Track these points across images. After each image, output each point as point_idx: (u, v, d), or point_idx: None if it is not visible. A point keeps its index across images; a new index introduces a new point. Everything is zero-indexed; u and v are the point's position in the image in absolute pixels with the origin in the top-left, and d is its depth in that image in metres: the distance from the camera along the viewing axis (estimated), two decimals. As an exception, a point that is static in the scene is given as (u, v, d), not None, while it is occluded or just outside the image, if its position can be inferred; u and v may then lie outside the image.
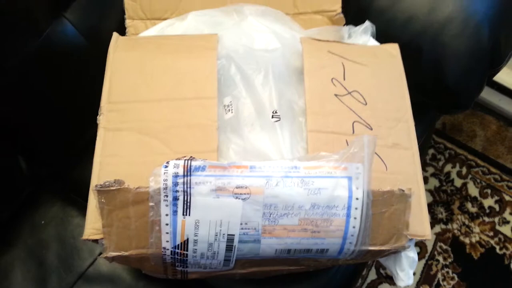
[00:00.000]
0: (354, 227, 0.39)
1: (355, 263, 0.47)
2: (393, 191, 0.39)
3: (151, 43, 0.51)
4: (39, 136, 0.62)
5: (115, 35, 0.51)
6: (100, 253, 0.60)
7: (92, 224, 0.40)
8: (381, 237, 0.40)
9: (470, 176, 0.98)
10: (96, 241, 0.41)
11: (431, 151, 1.01)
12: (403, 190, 0.39)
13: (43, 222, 0.62)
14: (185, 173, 0.38)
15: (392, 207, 0.40)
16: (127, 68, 0.48)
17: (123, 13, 0.58)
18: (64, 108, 0.62)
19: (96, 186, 0.37)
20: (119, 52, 0.49)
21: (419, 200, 0.43)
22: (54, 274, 0.59)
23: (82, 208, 0.61)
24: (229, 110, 0.47)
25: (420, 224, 0.42)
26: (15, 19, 0.53)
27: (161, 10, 0.57)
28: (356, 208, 0.39)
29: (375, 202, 0.39)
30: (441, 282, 0.89)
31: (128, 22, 0.57)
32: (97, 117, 0.46)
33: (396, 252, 0.43)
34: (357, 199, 0.39)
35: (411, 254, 0.43)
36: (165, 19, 0.57)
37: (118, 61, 0.48)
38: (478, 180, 0.98)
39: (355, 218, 0.39)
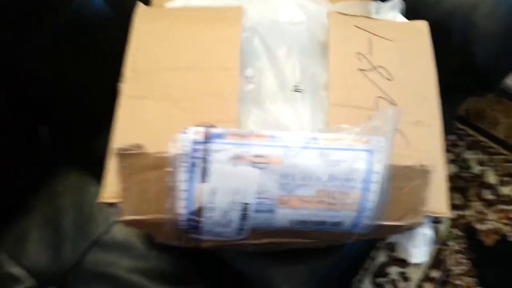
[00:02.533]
0: (370, 201, 0.39)
1: (369, 238, 0.47)
2: (413, 166, 0.39)
3: (175, 14, 0.51)
4: (61, 106, 0.63)
5: (139, 5, 0.51)
6: (115, 221, 0.61)
7: (110, 188, 0.41)
8: (398, 213, 0.40)
9: (490, 163, 0.96)
10: (111, 204, 0.41)
11: (452, 137, 0.99)
12: (424, 166, 0.39)
13: (60, 189, 0.63)
14: (205, 140, 0.38)
15: (412, 182, 0.39)
16: (151, 38, 0.48)
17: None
18: (87, 78, 0.62)
19: (117, 149, 0.37)
20: (143, 22, 0.49)
21: (440, 177, 0.42)
22: (69, 240, 0.60)
23: (99, 178, 0.62)
24: (251, 81, 0.46)
25: (438, 201, 0.42)
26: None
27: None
28: (374, 182, 0.38)
29: (394, 176, 0.39)
30: (451, 267, 0.89)
31: (152, -7, 0.57)
32: (119, 84, 0.46)
33: (411, 228, 0.42)
34: (376, 172, 0.38)
35: (427, 231, 0.43)
36: (191, -11, 0.56)
37: (142, 31, 0.48)
38: (498, 168, 0.96)
39: (372, 192, 0.39)
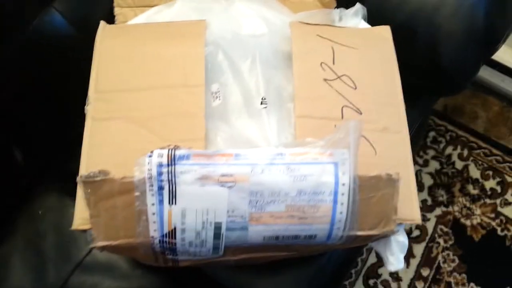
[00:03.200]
0: (341, 212, 0.39)
1: (346, 248, 0.47)
2: (380, 176, 0.39)
3: (138, 31, 0.50)
4: (32, 127, 0.63)
5: (102, 23, 0.50)
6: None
7: (81, 214, 0.41)
8: (370, 222, 0.40)
9: (471, 158, 0.97)
10: (85, 231, 0.41)
11: (432, 133, 1.00)
12: (390, 175, 0.39)
13: (40, 212, 0.63)
14: (169, 162, 0.37)
15: (380, 192, 0.39)
16: (114, 57, 0.47)
17: (112, 1, 0.57)
18: (56, 98, 0.62)
19: (81, 177, 0.37)
20: (106, 40, 0.49)
21: (409, 184, 0.43)
22: (51, 263, 0.59)
23: (78, 198, 0.62)
24: (216, 97, 0.46)
25: (409, 208, 0.42)
26: (2, 10, 0.53)
27: (149, -3, 0.56)
28: (342, 194, 0.39)
29: (362, 187, 0.39)
30: (441, 265, 0.89)
31: (116, 10, 0.57)
32: (85, 107, 0.46)
33: (385, 236, 0.42)
34: (343, 184, 0.38)
35: (401, 238, 0.43)
36: (154, 5, 0.56)
37: (105, 50, 0.48)
38: (480, 162, 0.97)
39: (342, 203, 0.39)
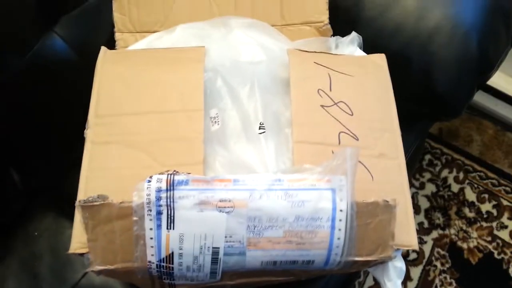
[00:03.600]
0: (339, 238, 0.39)
1: (344, 273, 0.47)
2: (377, 202, 0.39)
3: (138, 56, 0.51)
4: (30, 150, 0.63)
5: (103, 49, 0.51)
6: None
7: (79, 238, 0.41)
8: (367, 248, 0.40)
9: (467, 181, 0.98)
10: (82, 254, 0.41)
11: (427, 156, 1.01)
12: (387, 201, 0.39)
13: (36, 234, 0.63)
14: (168, 188, 0.38)
15: (377, 218, 0.40)
16: (114, 82, 0.48)
17: (113, 26, 0.58)
18: (55, 121, 0.62)
19: (79, 201, 0.37)
20: (106, 65, 0.49)
21: (406, 210, 0.43)
22: (47, 286, 0.59)
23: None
24: (215, 122, 0.47)
25: (406, 234, 0.42)
26: (3, 35, 0.54)
27: (150, 23, 0.57)
28: (340, 220, 0.39)
29: (359, 213, 0.39)
30: (438, 288, 0.89)
31: (117, 36, 0.58)
32: (84, 131, 0.46)
33: (383, 262, 0.43)
34: (341, 211, 0.39)
35: (399, 264, 0.43)
36: (154, 31, 0.57)
37: (105, 75, 0.49)
38: (476, 185, 0.97)
39: (339, 229, 0.39)
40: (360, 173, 0.42)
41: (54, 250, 0.62)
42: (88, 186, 0.43)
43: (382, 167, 0.44)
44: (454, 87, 0.58)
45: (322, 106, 0.47)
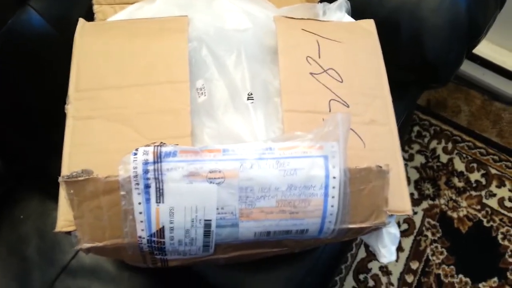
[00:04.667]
0: (332, 206, 0.39)
1: (337, 241, 0.46)
2: (370, 168, 0.39)
3: (118, 28, 0.49)
4: (11, 131, 0.61)
5: (81, 20, 0.49)
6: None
7: (65, 216, 0.39)
8: (361, 215, 0.40)
9: (456, 151, 0.98)
10: (69, 233, 0.39)
11: (416, 128, 1.01)
12: (380, 167, 0.39)
13: (21, 217, 0.61)
14: (156, 160, 0.36)
15: (370, 184, 0.39)
16: (95, 54, 0.46)
17: (91, -2, 0.56)
18: (35, 100, 0.60)
19: (63, 177, 0.36)
20: (85, 38, 0.47)
21: (398, 176, 0.42)
22: (36, 269, 0.58)
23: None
24: (202, 93, 0.45)
25: (400, 199, 0.42)
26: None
27: (129, -6, 0.55)
28: (333, 187, 0.38)
29: (352, 179, 0.38)
30: (430, 257, 0.90)
31: (96, 8, 0.55)
32: (65, 106, 0.44)
33: (377, 229, 0.42)
34: (334, 177, 0.38)
35: (393, 230, 0.43)
36: (134, 2, 0.55)
37: (85, 48, 0.47)
38: (464, 155, 0.98)
39: (333, 197, 0.38)
40: (351, 140, 0.41)
41: (41, 233, 0.60)
42: (72, 162, 0.41)
43: (374, 133, 0.44)
44: (443, 52, 0.57)
45: (311, 73, 0.45)
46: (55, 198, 0.63)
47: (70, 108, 0.44)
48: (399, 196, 0.42)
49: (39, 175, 0.65)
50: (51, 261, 0.59)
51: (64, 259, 0.59)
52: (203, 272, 0.59)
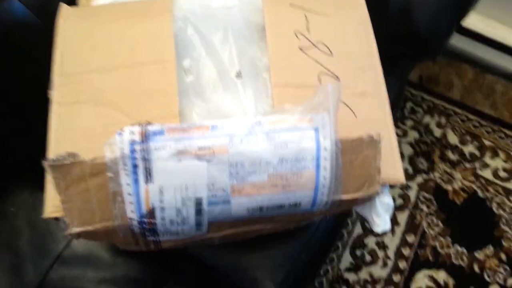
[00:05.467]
0: (325, 178, 0.38)
1: (331, 214, 0.46)
2: (361, 138, 0.38)
3: (101, 11, 0.48)
4: (1, 125, 0.59)
5: (62, 5, 0.48)
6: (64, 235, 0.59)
7: (52, 201, 0.39)
8: (354, 185, 0.39)
9: (449, 125, 0.98)
10: (58, 219, 0.39)
11: (409, 104, 1.00)
12: (372, 136, 0.38)
13: (12, 209, 0.60)
14: (142, 139, 0.36)
15: (362, 153, 0.38)
16: (78, 38, 0.45)
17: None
18: (19, 90, 0.58)
19: (48, 161, 0.35)
20: (68, 22, 0.46)
21: (390, 145, 0.42)
22: (28, 261, 0.57)
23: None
24: (189, 72, 0.44)
25: (392, 168, 0.41)
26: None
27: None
28: (325, 159, 0.38)
29: (344, 150, 0.38)
30: (426, 230, 0.90)
31: (78, -7, 0.54)
32: (49, 92, 0.43)
33: (370, 199, 0.42)
34: (325, 149, 0.37)
35: (386, 199, 0.42)
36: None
37: (68, 32, 0.45)
38: (457, 128, 0.98)
39: (325, 168, 0.38)
40: (343, 113, 0.40)
41: (33, 224, 0.60)
42: (58, 148, 0.40)
43: (365, 105, 0.43)
44: (432, 24, 0.57)
45: (300, 48, 0.45)
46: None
47: (55, 94, 0.43)
48: (391, 165, 0.42)
49: (29, 167, 0.63)
50: (43, 252, 0.58)
51: (56, 249, 0.58)
52: (199, 253, 0.58)
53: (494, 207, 0.91)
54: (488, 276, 0.87)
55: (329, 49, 0.45)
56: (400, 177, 0.41)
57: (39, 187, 0.61)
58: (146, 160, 0.36)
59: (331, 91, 0.37)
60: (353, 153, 0.38)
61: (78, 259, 0.57)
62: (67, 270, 0.57)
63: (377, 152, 0.39)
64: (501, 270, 0.87)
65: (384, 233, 0.91)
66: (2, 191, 0.62)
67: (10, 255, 0.58)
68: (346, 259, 0.89)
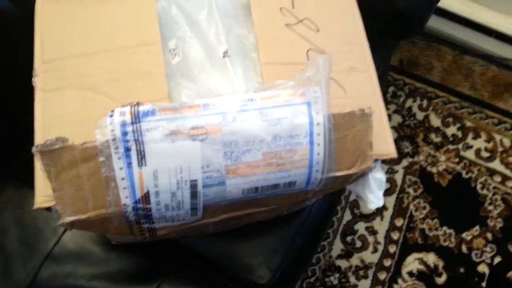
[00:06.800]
0: (318, 154, 0.38)
1: (326, 193, 0.46)
2: (353, 112, 0.38)
3: (80, -6, 0.47)
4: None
5: (39, -11, 0.46)
6: (66, 230, 0.57)
7: (43, 191, 0.37)
8: (347, 161, 0.40)
9: (431, 107, 1.00)
10: (49, 209, 0.38)
11: (391, 88, 1.01)
12: (363, 110, 0.38)
13: (-3, 207, 0.58)
14: (134, 120, 0.35)
15: (354, 128, 0.39)
16: (58, 22, 0.44)
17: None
18: (1, 84, 0.56)
19: (36, 146, 0.34)
20: (47, 6, 0.45)
21: (381, 120, 0.42)
22: (17, 259, 0.56)
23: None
24: (175, 54, 0.44)
25: (384, 143, 0.42)
26: None
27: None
28: (318, 134, 0.38)
29: (336, 125, 0.38)
30: (414, 213, 0.92)
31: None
32: (32, 79, 0.42)
33: (363, 175, 0.42)
34: (318, 124, 0.37)
35: (378, 175, 0.43)
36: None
37: (47, 17, 0.44)
38: (439, 111, 0.99)
39: (318, 144, 0.38)
40: (332, 89, 0.40)
41: (20, 221, 0.58)
42: (46, 136, 0.39)
43: (354, 80, 0.43)
44: (413, 2, 0.57)
45: (286, 25, 0.44)
46: (31, 185, 0.61)
47: (38, 81, 0.41)
48: (382, 140, 0.42)
49: (12, 162, 0.62)
50: (33, 250, 0.57)
51: (46, 246, 0.57)
52: (192, 244, 0.58)
53: (479, 187, 0.93)
54: (476, 256, 0.89)
55: (315, 25, 0.45)
56: (392, 152, 0.42)
57: (25, 183, 0.60)
58: (138, 142, 0.35)
59: (321, 64, 0.37)
60: (345, 128, 0.38)
61: (69, 256, 0.56)
62: (58, 267, 0.55)
63: (368, 126, 0.39)
64: (488, 249, 0.89)
65: (373, 219, 0.92)
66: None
67: (-2, 254, 0.56)
68: (337, 246, 0.89)
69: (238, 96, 0.37)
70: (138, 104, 0.35)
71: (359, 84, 0.43)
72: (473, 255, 0.89)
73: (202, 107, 0.36)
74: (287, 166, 0.39)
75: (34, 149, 0.34)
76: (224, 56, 0.43)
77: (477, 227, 0.90)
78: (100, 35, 0.43)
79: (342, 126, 0.38)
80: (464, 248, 0.89)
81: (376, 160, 0.41)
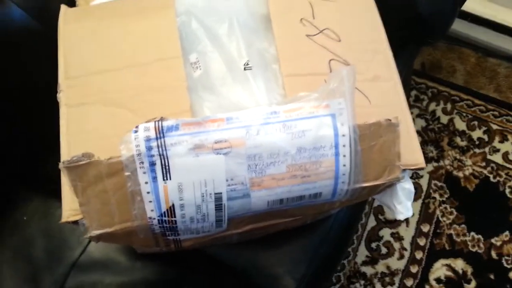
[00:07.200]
0: (344, 165, 0.38)
1: (351, 203, 0.45)
2: (379, 122, 0.37)
3: (102, 10, 0.47)
4: (4, 133, 0.59)
5: (63, 7, 0.47)
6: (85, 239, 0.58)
7: (69, 205, 0.38)
8: (374, 172, 0.39)
9: (455, 111, 0.97)
10: (76, 222, 0.38)
11: (413, 92, 1.00)
12: (390, 120, 0.38)
13: (25, 218, 0.59)
14: (158, 135, 0.35)
15: (381, 139, 0.38)
16: (81, 39, 0.44)
17: (72, -15, 0.54)
18: (26, 98, 0.58)
19: (63, 162, 0.34)
20: (69, 24, 0.46)
21: (408, 129, 0.41)
22: (45, 269, 0.56)
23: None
24: (197, 67, 0.44)
25: (411, 153, 0.41)
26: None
27: (110, -24, 0.53)
28: (344, 146, 0.37)
29: (362, 136, 0.37)
30: (440, 219, 0.89)
31: (77, -6, 0.53)
32: (57, 95, 0.43)
33: (391, 185, 0.41)
34: (343, 135, 0.37)
35: (407, 185, 0.42)
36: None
37: (70, 34, 0.45)
38: (464, 114, 0.97)
39: (344, 156, 0.37)
40: (356, 99, 0.40)
41: (47, 232, 0.59)
42: (71, 151, 0.40)
43: (378, 89, 0.42)
44: (437, 6, 0.56)
45: (307, 35, 0.44)
46: (56, 196, 0.62)
47: (62, 96, 0.42)
48: (410, 150, 0.41)
49: (38, 174, 0.63)
50: (59, 260, 0.57)
51: (72, 256, 0.57)
52: (216, 253, 0.58)
53: (507, 191, 0.90)
54: (507, 262, 0.86)
55: (336, 35, 0.45)
56: (420, 161, 0.41)
57: (50, 194, 0.61)
58: (163, 156, 0.35)
59: (345, 75, 0.36)
60: (372, 139, 0.38)
61: (95, 265, 0.57)
62: (84, 276, 0.56)
63: (396, 136, 0.38)
64: (519, 255, 0.86)
65: (398, 225, 0.90)
66: (13, 201, 0.62)
67: (26, 265, 0.57)
68: (362, 253, 0.88)
69: (261, 109, 0.36)
70: (162, 119, 0.36)
71: (384, 93, 0.42)
72: (503, 261, 0.86)
73: (226, 121, 0.36)
74: (312, 178, 0.38)
75: (61, 165, 0.35)
76: (245, 69, 0.43)
77: (506, 232, 0.87)
78: (122, 51, 0.43)
79: (368, 137, 0.38)
80: (493, 254, 0.86)
81: (404, 170, 0.40)
